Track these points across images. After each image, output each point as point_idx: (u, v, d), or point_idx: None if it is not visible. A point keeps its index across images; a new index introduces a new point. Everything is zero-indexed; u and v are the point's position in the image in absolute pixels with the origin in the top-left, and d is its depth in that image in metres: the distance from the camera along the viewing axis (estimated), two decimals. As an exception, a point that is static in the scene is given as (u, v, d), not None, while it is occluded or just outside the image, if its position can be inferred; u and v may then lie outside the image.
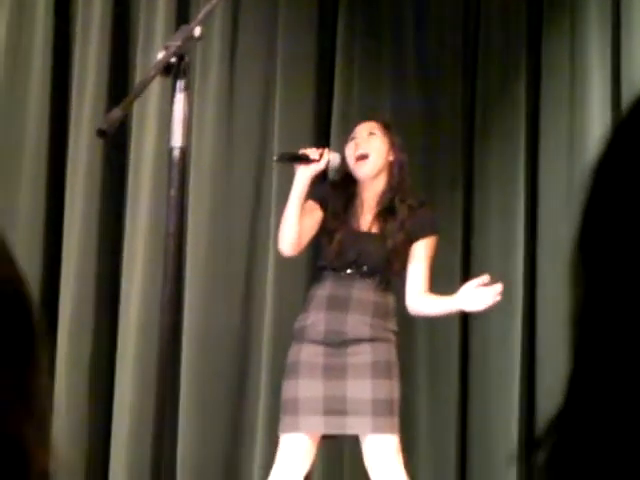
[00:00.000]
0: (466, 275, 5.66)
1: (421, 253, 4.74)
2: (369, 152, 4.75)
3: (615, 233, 0.63)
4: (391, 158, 4.81)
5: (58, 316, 5.70)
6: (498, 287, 4.41)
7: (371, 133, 4.83)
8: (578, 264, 0.64)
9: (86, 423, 5.66)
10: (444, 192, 6.04)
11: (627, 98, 5.90)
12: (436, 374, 5.80)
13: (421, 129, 6.03)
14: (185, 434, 5.68)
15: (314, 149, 4.72)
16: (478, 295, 4.52)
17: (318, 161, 4.60)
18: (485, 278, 4.50)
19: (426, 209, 4.90)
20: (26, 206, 5.80)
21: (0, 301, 0.79)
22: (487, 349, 5.90)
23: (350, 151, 4.76)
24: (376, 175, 4.77)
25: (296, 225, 4.69)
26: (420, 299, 4.75)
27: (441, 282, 5.55)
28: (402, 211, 4.76)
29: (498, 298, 4.45)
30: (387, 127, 4.89)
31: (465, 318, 5.79)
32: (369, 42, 6.17)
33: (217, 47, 5.95)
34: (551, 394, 5.57)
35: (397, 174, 4.83)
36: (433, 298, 4.76)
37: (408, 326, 5.19)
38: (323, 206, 4.84)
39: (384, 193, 4.82)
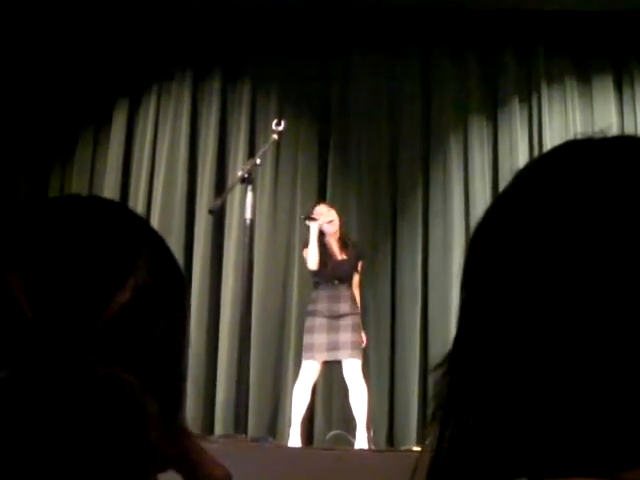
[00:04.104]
0: (393, 281, 7.52)
1: (359, 269, 6.40)
2: (334, 218, 6.32)
3: (486, 271, 0.67)
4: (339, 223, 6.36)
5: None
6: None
7: (329, 209, 6.39)
8: (463, 284, 0.69)
9: (202, 351, 7.33)
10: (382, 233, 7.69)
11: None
12: (377, 326, 7.34)
13: (369, 212, 7.68)
14: (254, 362, 7.27)
15: (317, 216, 6.22)
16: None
17: (318, 220, 6.21)
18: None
19: (359, 245, 6.58)
20: (175, 241, 7.32)
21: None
22: (402, 306, 7.46)
23: (322, 220, 6.23)
24: (336, 230, 6.36)
25: (317, 253, 6.16)
26: (355, 292, 6.26)
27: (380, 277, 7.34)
28: (350, 248, 6.36)
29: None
30: (331, 206, 6.54)
31: (393, 307, 7.58)
32: (345, 163, 7.96)
33: (268, 169, 7.87)
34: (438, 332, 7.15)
35: (343, 230, 6.48)
36: (356, 299, 6.20)
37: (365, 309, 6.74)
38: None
39: (341, 238, 6.37)
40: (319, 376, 6.30)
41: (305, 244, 6.34)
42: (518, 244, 0.66)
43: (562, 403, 0.62)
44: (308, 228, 6.26)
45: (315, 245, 6.10)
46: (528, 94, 7.79)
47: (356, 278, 6.37)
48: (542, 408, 0.62)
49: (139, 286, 0.77)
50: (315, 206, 6.52)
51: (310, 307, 6.25)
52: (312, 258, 6.10)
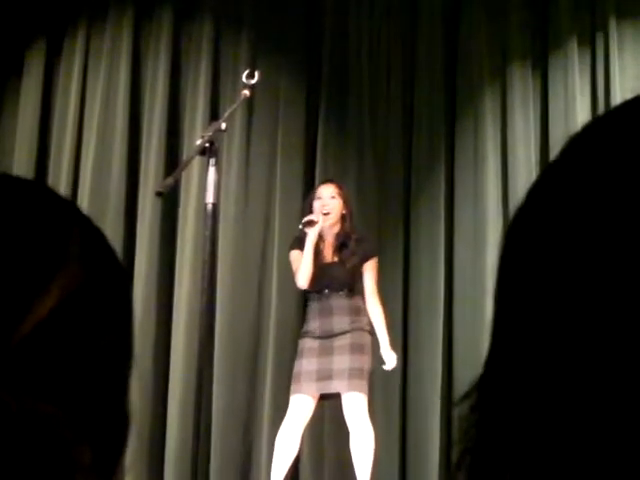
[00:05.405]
0: (406, 287, 7.57)
1: (369, 269, 6.43)
2: (331, 210, 6.41)
3: (524, 269, 0.70)
4: (344, 212, 6.47)
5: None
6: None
7: (332, 197, 6.45)
8: (496, 289, 0.73)
9: (149, 385, 7.27)
10: (391, 236, 7.72)
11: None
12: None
13: (374, 193, 7.79)
14: (217, 399, 7.25)
15: (316, 215, 6.31)
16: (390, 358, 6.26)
17: (318, 222, 6.30)
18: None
19: (368, 240, 6.65)
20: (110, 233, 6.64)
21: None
22: (418, 320, 7.50)
23: (318, 208, 6.38)
24: (334, 224, 6.46)
25: (310, 267, 6.31)
26: (370, 305, 6.36)
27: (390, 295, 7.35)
28: (352, 244, 6.41)
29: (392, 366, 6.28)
30: (341, 189, 6.55)
31: (405, 321, 7.58)
32: (341, 130, 7.99)
33: (237, 137, 7.83)
34: (463, 369, 7.14)
35: (348, 221, 6.50)
36: (378, 318, 6.33)
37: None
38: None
39: (339, 234, 6.46)
40: (310, 417, 6.38)
41: (293, 244, 6.56)
42: (573, 234, 0.68)
43: (632, 454, 0.62)
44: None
45: (310, 257, 6.30)
46: (591, 34, 7.72)
47: (367, 284, 6.49)
48: (604, 455, 0.63)
49: (66, 292, 0.79)
50: (316, 189, 6.70)
51: (303, 327, 6.51)
52: (303, 274, 6.32)
